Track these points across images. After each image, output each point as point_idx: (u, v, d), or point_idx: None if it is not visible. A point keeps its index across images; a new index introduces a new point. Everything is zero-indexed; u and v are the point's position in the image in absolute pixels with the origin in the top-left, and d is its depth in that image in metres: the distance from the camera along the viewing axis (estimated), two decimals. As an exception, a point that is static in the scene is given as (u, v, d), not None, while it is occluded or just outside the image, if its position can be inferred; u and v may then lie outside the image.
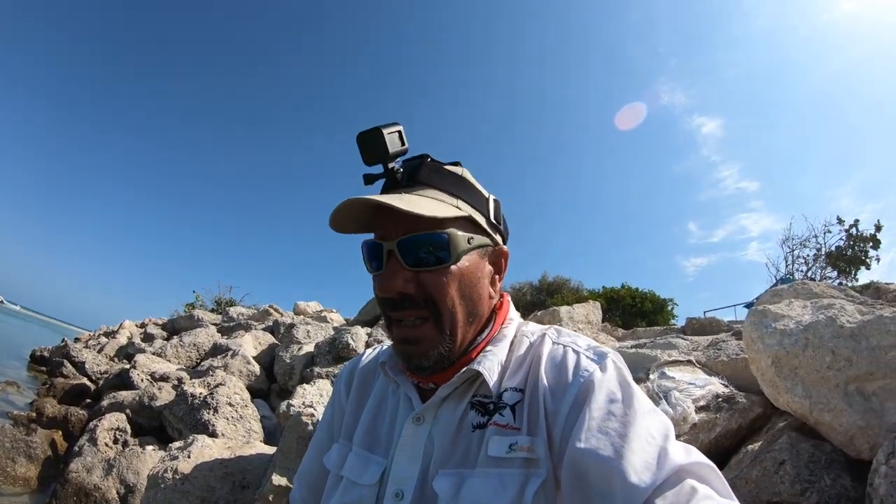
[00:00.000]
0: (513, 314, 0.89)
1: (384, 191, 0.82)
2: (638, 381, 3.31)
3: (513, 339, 0.84)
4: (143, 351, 7.42)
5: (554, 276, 18.92)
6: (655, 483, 0.57)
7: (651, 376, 3.22)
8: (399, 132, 0.80)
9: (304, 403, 2.60)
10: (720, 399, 2.86)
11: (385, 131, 0.78)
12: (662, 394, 2.95)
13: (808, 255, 13.51)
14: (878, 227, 12.63)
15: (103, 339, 11.95)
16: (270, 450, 3.03)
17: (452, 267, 0.76)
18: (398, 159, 0.82)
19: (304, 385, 2.81)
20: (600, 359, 0.75)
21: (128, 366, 6.34)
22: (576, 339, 0.81)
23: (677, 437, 2.66)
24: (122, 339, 10.73)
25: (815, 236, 13.33)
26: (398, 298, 0.77)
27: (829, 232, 13.15)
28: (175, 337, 7.73)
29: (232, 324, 9.08)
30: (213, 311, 13.40)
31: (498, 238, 0.86)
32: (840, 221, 13.00)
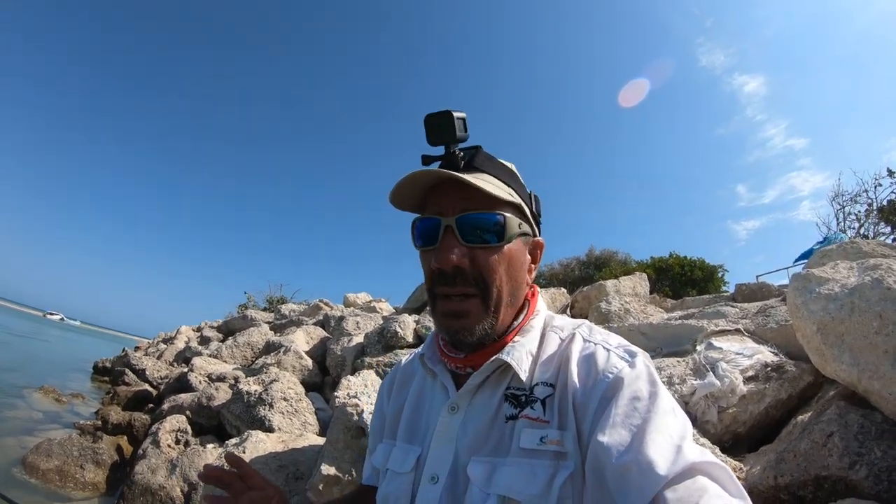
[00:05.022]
0: (540, 306, 0.93)
1: None
2: (684, 352, 3.26)
3: (542, 333, 0.88)
4: (199, 354, 7.71)
5: (601, 249, 18.71)
6: (668, 476, 0.60)
7: (698, 347, 3.16)
8: (464, 119, 0.83)
9: (348, 395, 2.68)
10: (769, 368, 2.79)
11: (455, 115, 0.82)
12: (709, 365, 2.90)
13: (859, 212, 12.86)
14: (932, 178, 11.86)
15: (162, 346, 12.48)
16: (322, 441, 3.14)
17: (504, 248, 0.82)
18: (458, 145, 0.85)
19: (349, 377, 2.89)
20: (630, 357, 0.77)
21: (186, 369, 6.62)
22: (607, 337, 0.83)
23: (726, 409, 2.65)
24: (179, 345, 11.19)
25: (866, 191, 12.66)
26: (452, 272, 0.81)
27: (880, 185, 12.43)
28: (230, 338, 7.98)
29: (284, 321, 9.29)
30: (265, 309, 13.81)
31: (537, 230, 0.92)
32: (891, 173, 12.23)
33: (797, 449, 1.87)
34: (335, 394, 2.74)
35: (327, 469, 2.32)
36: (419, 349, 1.03)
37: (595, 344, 0.81)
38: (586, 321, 0.91)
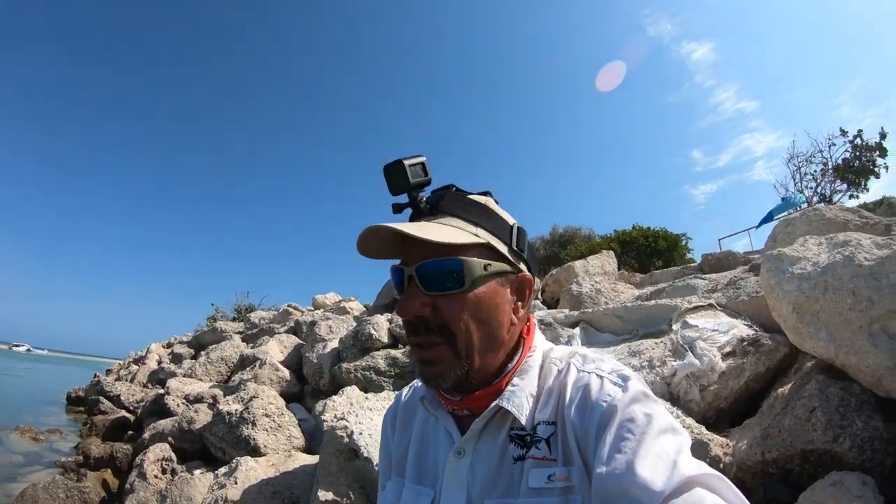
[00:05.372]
0: (537, 342, 0.91)
1: (411, 220, 0.86)
2: (661, 332, 3.31)
3: (541, 368, 0.87)
4: (173, 374, 7.53)
5: (564, 226, 18.92)
6: (665, 492, 0.60)
7: (674, 327, 3.22)
8: (422, 164, 0.84)
9: (335, 416, 2.64)
10: (745, 343, 2.86)
11: (407, 162, 0.83)
12: (687, 345, 2.95)
13: (815, 171, 13.33)
14: (883, 135, 12.27)
15: (134, 367, 12.18)
16: (312, 459, 3.09)
17: (468, 293, 0.79)
18: (426, 189, 0.86)
19: (333, 398, 2.85)
20: (623, 381, 0.77)
21: (162, 391, 6.47)
22: (600, 364, 0.83)
23: (707, 386, 2.71)
24: (151, 364, 10.94)
25: (821, 151, 13.11)
26: (415, 322, 0.81)
27: (834, 145, 12.92)
28: (202, 354, 7.82)
29: (255, 330, 9.16)
30: (234, 319, 13.54)
31: (522, 266, 0.88)
32: (843, 133, 12.70)
33: (782, 425, 1.93)
34: (322, 417, 2.70)
35: (324, 494, 2.28)
36: (419, 389, 1.01)
37: (588, 373, 0.81)
38: (580, 348, 0.91)
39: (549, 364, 0.87)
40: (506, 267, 0.84)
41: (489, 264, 0.81)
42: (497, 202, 0.91)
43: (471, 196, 0.87)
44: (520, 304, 0.87)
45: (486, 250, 0.82)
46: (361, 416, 2.60)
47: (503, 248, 0.84)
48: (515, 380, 0.84)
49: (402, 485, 0.93)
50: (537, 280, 6.82)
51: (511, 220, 0.89)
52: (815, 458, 1.79)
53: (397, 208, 0.87)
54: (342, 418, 2.57)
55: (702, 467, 0.64)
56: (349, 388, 3.18)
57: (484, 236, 0.82)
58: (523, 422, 0.80)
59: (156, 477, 3.83)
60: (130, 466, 4.28)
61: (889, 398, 1.75)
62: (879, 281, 1.81)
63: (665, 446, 0.66)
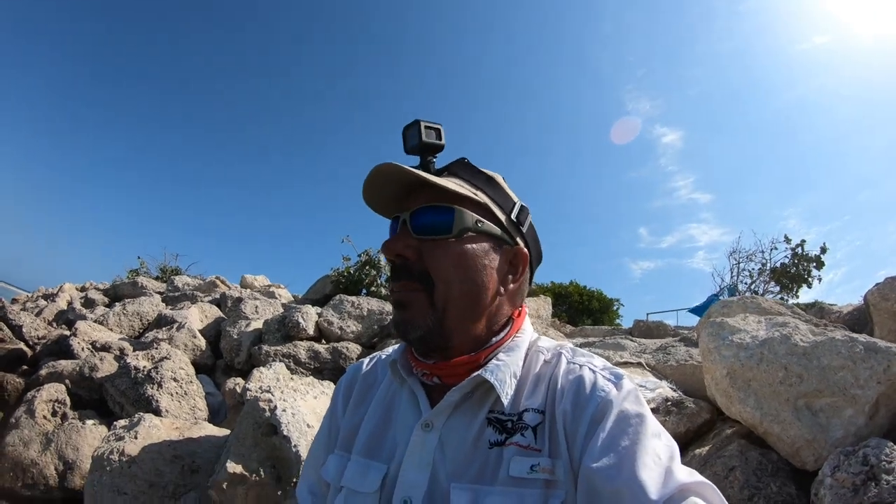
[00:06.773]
0: (527, 326, 0.88)
1: None
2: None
3: (527, 354, 0.83)
4: (84, 318, 7.06)
5: None
6: (660, 500, 0.60)
7: (603, 375, 3.30)
8: (437, 129, 0.84)
9: (260, 388, 2.52)
10: (669, 403, 2.96)
11: (423, 123, 0.82)
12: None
13: (752, 269, 14.13)
14: (824, 250, 13.25)
15: (42, 302, 11.31)
16: (220, 432, 2.95)
17: (453, 241, 0.78)
18: (438, 156, 0.85)
19: (261, 369, 2.74)
20: (617, 379, 0.76)
21: (68, 333, 6.05)
22: (591, 359, 0.81)
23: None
24: (61, 304, 10.19)
25: (762, 251, 13.93)
26: (397, 262, 0.79)
27: (776, 249, 13.72)
28: (118, 304, 7.38)
29: (177, 293, 8.74)
30: (157, 279, 12.92)
31: (519, 240, 0.86)
32: (787, 240, 13.61)
33: (700, 480, 2.01)
34: (247, 386, 2.59)
35: (233, 467, 2.15)
36: (383, 361, 0.96)
37: (580, 366, 0.79)
38: (567, 343, 0.89)
39: (536, 351, 0.84)
40: (496, 230, 0.82)
41: (481, 221, 0.80)
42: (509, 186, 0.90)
43: (481, 169, 0.86)
44: (511, 276, 0.85)
45: (482, 210, 0.82)
46: (287, 393, 2.48)
47: (501, 216, 0.83)
48: (501, 355, 0.80)
49: (348, 459, 0.84)
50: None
51: (516, 198, 0.88)
52: (729, 515, 1.87)
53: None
54: (268, 391, 2.46)
55: (694, 475, 0.64)
56: (277, 364, 3.07)
57: (483, 198, 0.81)
58: (504, 401, 0.75)
59: (45, 418, 3.53)
60: (19, 401, 3.93)
61: (803, 470, 1.87)
62: (811, 361, 1.94)
63: (658, 450, 0.66)
